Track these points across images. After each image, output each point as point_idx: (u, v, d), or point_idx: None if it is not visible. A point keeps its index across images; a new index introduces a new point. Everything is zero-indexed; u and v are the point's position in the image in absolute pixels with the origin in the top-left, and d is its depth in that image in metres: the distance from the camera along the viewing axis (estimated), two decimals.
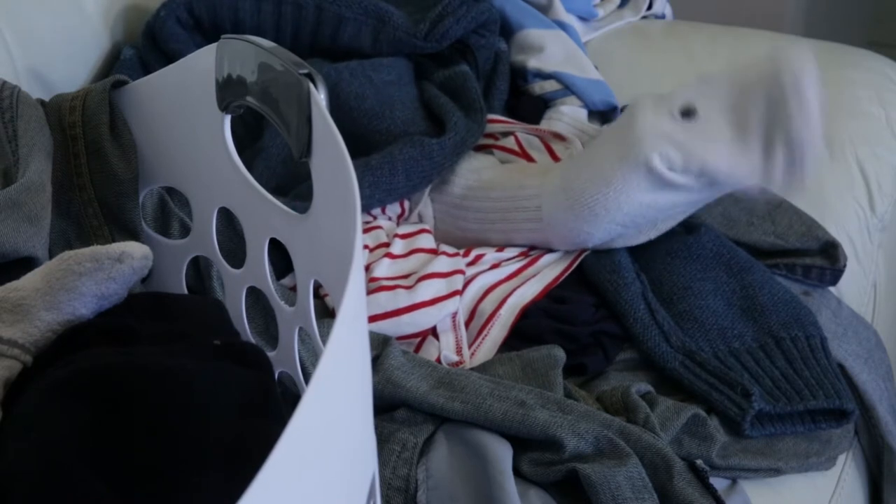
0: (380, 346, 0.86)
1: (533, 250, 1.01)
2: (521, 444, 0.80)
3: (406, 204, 1.05)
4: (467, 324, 0.94)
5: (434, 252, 0.98)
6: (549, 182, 0.99)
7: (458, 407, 0.80)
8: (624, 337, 0.94)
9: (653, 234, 0.99)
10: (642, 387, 0.87)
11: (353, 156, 0.55)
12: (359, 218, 0.52)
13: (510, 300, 0.94)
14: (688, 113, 0.93)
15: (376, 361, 0.84)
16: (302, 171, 0.64)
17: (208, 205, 0.75)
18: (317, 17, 1.11)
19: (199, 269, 0.83)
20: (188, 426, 0.54)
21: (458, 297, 0.93)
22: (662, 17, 1.46)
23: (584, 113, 1.17)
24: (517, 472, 0.79)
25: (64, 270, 0.63)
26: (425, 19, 1.11)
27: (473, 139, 1.06)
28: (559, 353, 0.88)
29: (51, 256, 0.69)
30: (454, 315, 0.93)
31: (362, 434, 0.50)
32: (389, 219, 1.04)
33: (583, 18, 1.36)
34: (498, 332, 0.93)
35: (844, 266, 1.02)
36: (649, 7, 1.43)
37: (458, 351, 0.91)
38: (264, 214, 0.70)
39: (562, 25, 1.27)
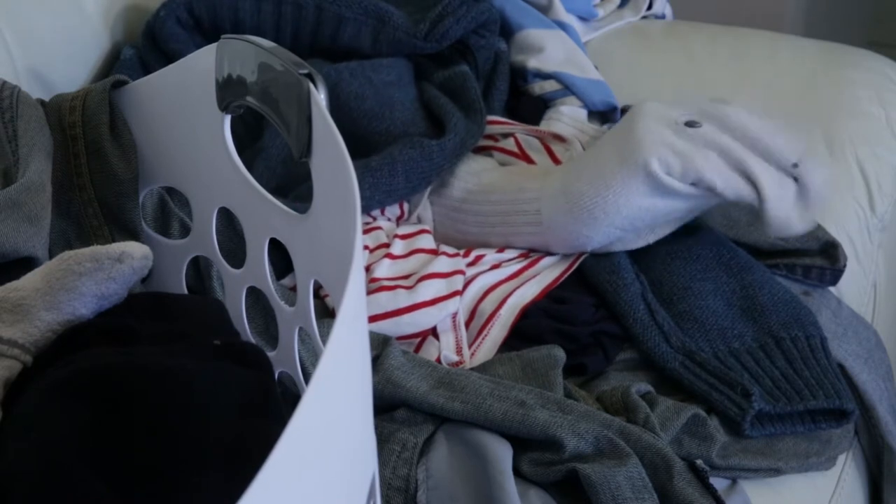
0: (380, 346, 0.86)
1: (533, 252, 1.01)
2: (521, 444, 0.80)
3: (405, 206, 1.05)
4: (467, 324, 0.94)
5: (434, 252, 0.98)
6: (548, 185, 0.99)
7: (458, 407, 0.80)
8: (624, 337, 0.94)
9: (651, 239, 0.99)
10: (642, 387, 0.87)
11: (353, 157, 0.55)
12: (359, 218, 0.51)
13: (510, 300, 0.94)
14: (691, 124, 0.94)
15: (376, 361, 0.83)
16: (302, 172, 0.64)
17: (208, 205, 0.75)
18: (317, 17, 1.11)
19: (199, 269, 0.83)
20: (188, 426, 0.54)
21: (458, 298, 0.93)
22: (662, 17, 1.45)
23: (583, 113, 1.17)
24: (517, 472, 0.79)
25: (64, 270, 0.63)
26: (425, 19, 1.10)
27: (473, 140, 1.06)
28: (559, 353, 0.87)
29: (51, 256, 0.69)
30: (454, 315, 0.93)
31: (362, 434, 0.50)
32: (389, 220, 1.04)
33: (583, 18, 1.36)
34: (498, 332, 0.93)
35: (844, 266, 1.02)
36: (649, 7, 1.43)
37: (459, 351, 0.91)
38: (264, 214, 0.70)
39: (562, 25, 1.27)
